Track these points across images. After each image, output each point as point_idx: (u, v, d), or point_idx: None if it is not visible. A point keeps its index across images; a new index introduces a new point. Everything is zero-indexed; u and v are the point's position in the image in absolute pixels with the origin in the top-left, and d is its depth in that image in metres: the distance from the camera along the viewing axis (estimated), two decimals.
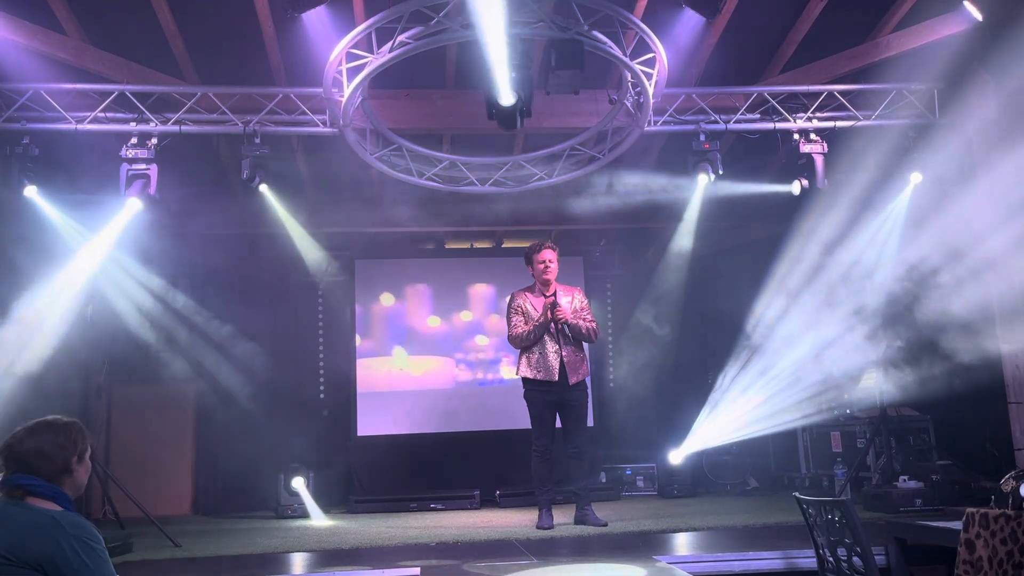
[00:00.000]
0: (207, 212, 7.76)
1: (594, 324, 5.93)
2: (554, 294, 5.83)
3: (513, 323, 5.89)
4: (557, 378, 5.77)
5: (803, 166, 6.58)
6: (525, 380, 5.85)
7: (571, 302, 5.91)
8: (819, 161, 6.54)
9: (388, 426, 8.55)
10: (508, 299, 6.03)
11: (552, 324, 5.78)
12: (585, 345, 6.03)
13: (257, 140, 6.20)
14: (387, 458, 8.37)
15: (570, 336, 5.85)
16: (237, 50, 6.26)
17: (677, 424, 8.09)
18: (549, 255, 5.89)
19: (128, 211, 6.31)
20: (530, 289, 5.99)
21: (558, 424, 5.94)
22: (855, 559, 3.31)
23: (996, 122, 6.21)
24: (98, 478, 6.05)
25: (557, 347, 5.79)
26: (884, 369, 6.88)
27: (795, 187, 6.68)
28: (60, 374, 7.66)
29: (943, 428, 7.18)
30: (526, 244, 8.15)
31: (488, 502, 7.68)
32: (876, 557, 3.36)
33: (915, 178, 6.68)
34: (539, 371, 5.79)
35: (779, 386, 7.37)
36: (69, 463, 2.31)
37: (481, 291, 9.08)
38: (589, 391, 6.20)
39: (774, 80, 6.74)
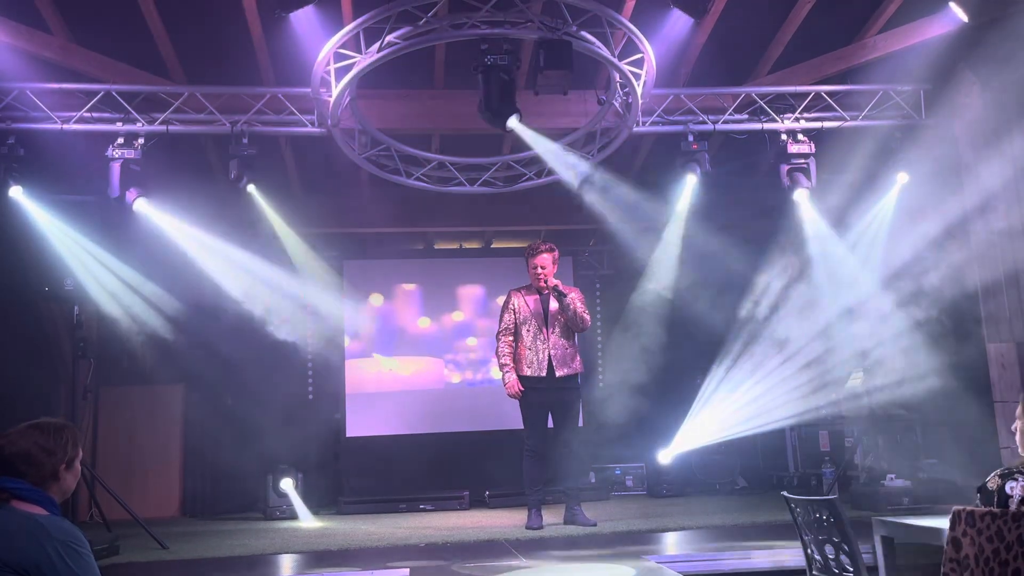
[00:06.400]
0: (194, 212, 7.70)
1: (586, 314, 5.93)
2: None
3: (504, 320, 5.92)
4: (546, 373, 5.79)
5: (792, 167, 6.60)
6: (519, 378, 5.86)
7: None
8: (808, 162, 6.57)
9: (377, 427, 8.52)
10: (505, 297, 6.05)
11: (543, 294, 5.84)
12: (577, 339, 6.03)
13: (245, 140, 6.18)
14: (376, 459, 8.35)
15: (561, 321, 5.85)
16: (225, 50, 6.23)
17: (666, 424, 8.10)
18: (542, 260, 5.87)
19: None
20: (527, 288, 6.01)
21: (549, 424, 5.95)
22: (843, 557, 3.32)
23: (982, 122, 6.26)
24: (85, 480, 6.02)
25: (546, 342, 5.81)
26: (871, 368, 6.92)
27: (799, 195, 6.69)
28: (46, 376, 7.64)
29: (930, 427, 7.22)
30: (515, 245, 8.17)
31: (477, 503, 7.67)
32: (863, 555, 3.38)
33: (902, 178, 6.71)
34: (529, 367, 5.81)
35: (767, 386, 7.40)
36: (57, 469, 2.27)
37: (471, 291, 9.07)
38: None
39: (762, 81, 6.77)
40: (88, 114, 6.05)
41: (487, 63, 5.35)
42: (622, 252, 9.79)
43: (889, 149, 6.72)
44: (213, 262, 7.36)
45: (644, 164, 8.07)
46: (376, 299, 8.91)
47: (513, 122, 5.69)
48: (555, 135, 7.02)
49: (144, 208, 6.45)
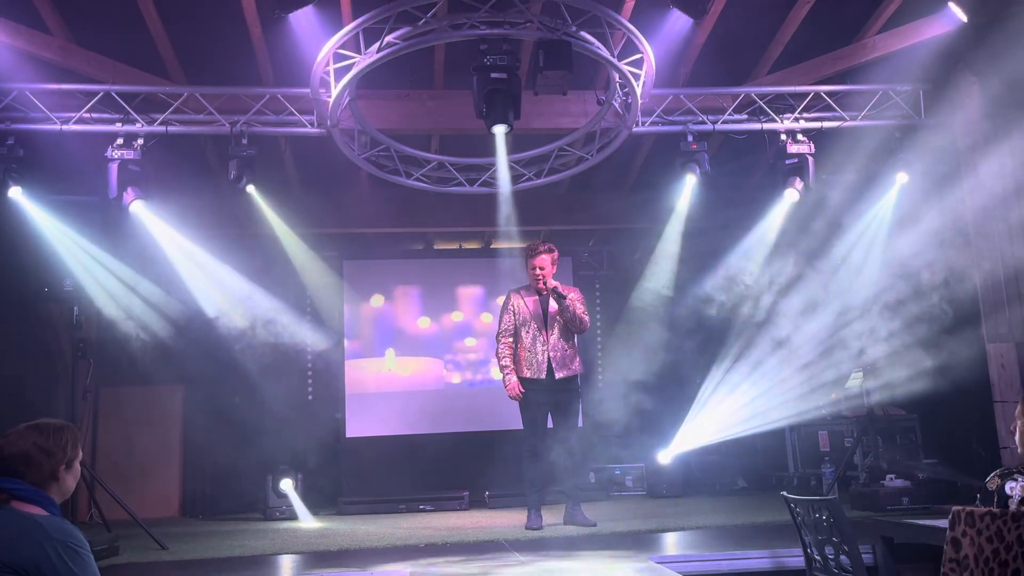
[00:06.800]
0: (193, 213, 7.72)
1: (585, 316, 5.92)
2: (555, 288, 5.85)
3: (504, 322, 5.92)
4: (545, 375, 5.78)
5: (792, 167, 6.60)
6: (519, 379, 5.86)
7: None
8: (807, 162, 6.57)
9: (377, 427, 8.52)
10: (504, 298, 6.05)
11: (543, 296, 5.86)
12: (576, 340, 6.03)
13: (244, 141, 6.17)
14: (376, 460, 8.35)
15: (560, 323, 5.85)
16: (224, 50, 6.23)
17: (666, 424, 8.10)
18: (541, 261, 5.85)
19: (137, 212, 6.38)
20: (526, 289, 6.01)
21: (549, 424, 5.95)
22: (842, 558, 3.33)
23: (981, 122, 6.26)
24: (84, 481, 6.02)
25: (546, 344, 5.81)
26: (870, 369, 6.92)
27: (790, 195, 6.72)
28: (46, 376, 7.63)
29: (930, 427, 7.22)
30: (514, 245, 8.15)
31: (477, 503, 7.67)
32: (863, 556, 3.38)
33: (901, 178, 6.71)
34: (528, 368, 5.81)
35: (767, 386, 7.40)
36: (56, 470, 2.27)
37: (470, 292, 9.07)
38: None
39: (761, 81, 6.76)
40: (87, 115, 6.04)
41: (485, 63, 5.35)
42: (621, 252, 9.82)
43: (889, 149, 6.72)
44: (209, 266, 7.36)
45: (644, 164, 8.07)
46: (376, 299, 8.91)
47: (498, 130, 5.68)
48: (555, 135, 7.03)
49: (140, 211, 6.44)
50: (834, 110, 6.68)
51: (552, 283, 5.83)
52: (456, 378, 8.87)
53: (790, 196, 6.76)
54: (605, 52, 5.57)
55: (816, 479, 7.37)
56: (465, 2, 5.28)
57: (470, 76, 5.48)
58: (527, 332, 5.86)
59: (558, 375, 5.81)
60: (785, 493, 3.67)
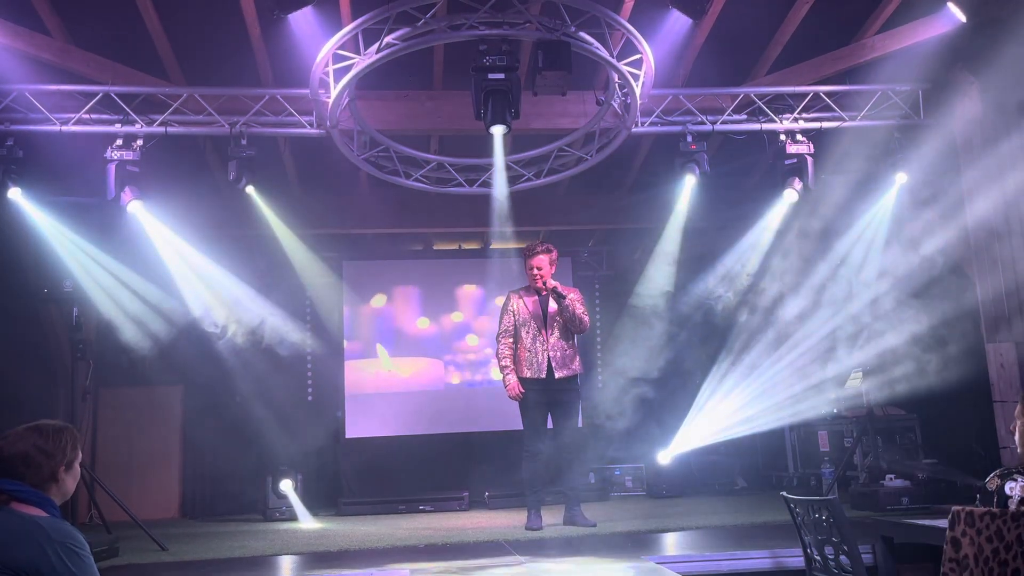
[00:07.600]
0: (193, 214, 7.72)
1: (585, 316, 5.92)
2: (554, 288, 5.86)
3: (504, 322, 5.93)
4: (545, 375, 5.79)
5: (791, 167, 6.61)
6: (519, 379, 5.86)
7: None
8: (806, 162, 6.57)
9: (377, 428, 8.52)
10: (504, 298, 6.05)
11: (542, 296, 5.87)
12: (576, 340, 6.03)
13: (244, 141, 6.17)
14: (376, 460, 8.35)
15: (560, 323, 5.85)
16: (223, 51, 6.23)
17: (666, 424, 8.11)
18: (539, 261, 5.86)
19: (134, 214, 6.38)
20: (526, 289, 6.01)
21: (549, 425, 5.95)
22: (842, 558, 3.33)
23: (980, 122, 6.26)
24: (84, 482, 6.02)
25: (545, 344, 5.81)
26: (870, 369, 6.92)
27: (789, 195, 6.73)
28: (46, 378, 7.63)
29: (929, 427, 7.22)
30: (514, 245, 8.16)
31: (477, 503, 7.67)
32: (863, 556, 3.38)
33: (900, 178, 6.72)
34: (528, 368, 5.81)
35: (767, 386, 7.40)
36: (56, 471, 2.27)
37: (470, 292, 9.07)
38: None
39: (760, 81, 6.76)
40: (87, 116, 6.04)
41: (485, 64, 5.35)
42: (621, 252, 9.83)
43: (888, 149, 6.72)
44: (209, 267, 7.36)
45: (643, 164, 8.07)
46: (375, 300, 8.91)
47: (496, 130, 5.67)
48: (554, 136, 7.03)
49: (139, 211, 6.44)
50: (833, 110, 6.68)
51: (551, 283, 5.84)
52: (456, 378, 8.87)
53: (789, 196, 6.78)
54: (604, 53, 5.57)
55: (816, 479, 7.37)
56: (464, 3, 5.28)
57: (469, 76, 5.48)
58: (527, 332, 5.86)
59: (558, 375, 5.81)
60: (785, 493, 3.68)
